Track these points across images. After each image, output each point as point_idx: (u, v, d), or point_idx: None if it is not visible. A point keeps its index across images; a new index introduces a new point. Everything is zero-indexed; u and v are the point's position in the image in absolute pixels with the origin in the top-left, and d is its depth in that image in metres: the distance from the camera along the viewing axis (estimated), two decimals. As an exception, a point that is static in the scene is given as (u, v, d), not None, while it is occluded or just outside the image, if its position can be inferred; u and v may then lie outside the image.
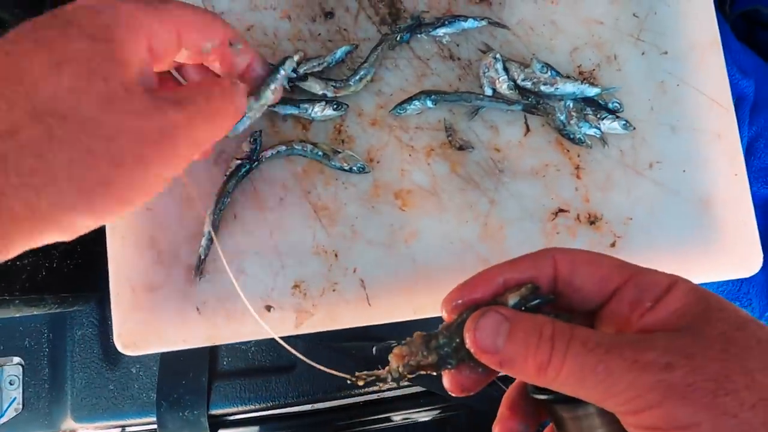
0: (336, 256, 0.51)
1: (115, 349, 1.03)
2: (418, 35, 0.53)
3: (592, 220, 0.51)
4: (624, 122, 0.50)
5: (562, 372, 0.28)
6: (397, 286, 0.50)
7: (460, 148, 0.52)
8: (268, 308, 0.50)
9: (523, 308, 0.32)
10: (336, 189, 0.51)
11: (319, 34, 0.53)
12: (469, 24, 0.52)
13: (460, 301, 0.33)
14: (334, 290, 0.50)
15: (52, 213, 0.30)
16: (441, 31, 0.52)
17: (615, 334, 0.30)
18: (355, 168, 0.51)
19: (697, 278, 0.49)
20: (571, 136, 0.51)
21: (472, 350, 0.31)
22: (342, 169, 0.51)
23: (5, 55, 0.30)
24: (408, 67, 0.53)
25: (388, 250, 0.51)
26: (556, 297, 0.32)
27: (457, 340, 0.32)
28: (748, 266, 0.50)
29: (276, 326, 0.50)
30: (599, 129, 0.51)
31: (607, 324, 0.31)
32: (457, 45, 0.53)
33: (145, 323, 0.50)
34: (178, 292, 0.51)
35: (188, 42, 0.38)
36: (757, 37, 0.87)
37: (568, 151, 0.51)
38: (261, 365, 0.73)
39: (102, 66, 0.31)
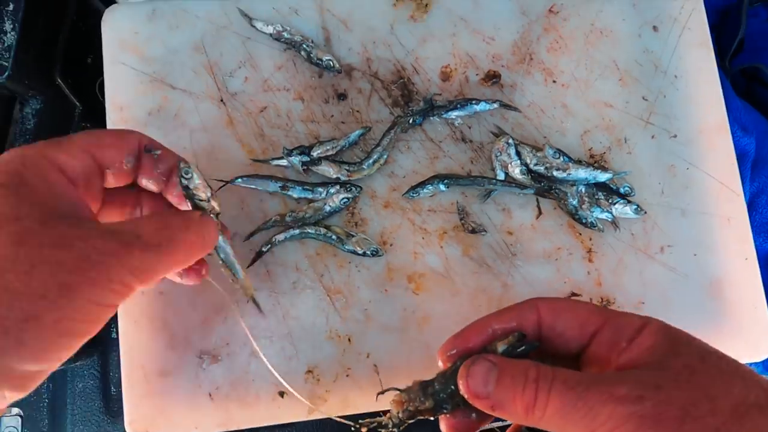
0: (350, 340, 0.51)
1: (116, 402, 1.02)
2: (431, 118, 0.53)
3: (605, 304, 0.51)
4: (635, 207, 0.51)
5: (547, 410, 0.30)
6: (411, 371, 0.50)
7: (473, 231, 0.52)
8: (281, 394, 0.50)
9: (512, 355, 0.34)
10: (349, 272, 0.52)
11: (332, 116, 0.54)
12: (481, 107, 0.53)
13: (454, 351, 0.36)
14: (347, 375, 0.50)
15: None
16: (453, 114, 0.53)
17: (594, 373, 0.33)
18: (368, 252, 0.51)
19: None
20: (584, 221, 0.51)
21: (465, 396, 0.33)
22: (355, 253, 0.51)
23: None
24: (421, 149, 0.53)
25: (402, 335, 0.51)
26: (542, 343, 0.35)
27: (452, 386, 0.35)
28: (760, 350, 0.51)
29: (288, 412, 0.50)
30: (611, 213, 0.51)
31: (591, 365, 0.34)
32: (469, 127, 0.53)
33: (158, 409, 0.50)
34: (191, 377, 0.50)
35: (106, 160, 0.39)
36: (757, 94, 0.89)
37: (580, 234, 0.52)
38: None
39: (15, 209, 0.32)
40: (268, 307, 0.51)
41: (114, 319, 0.97)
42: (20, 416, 1.05)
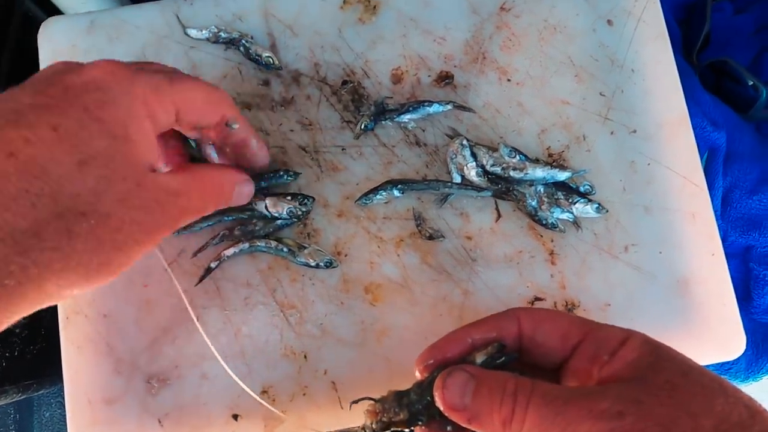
0: (305, 357, 0.48)
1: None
2: (383, 122, 0.51)
3: (570, 308, 0.49)
4: (597, 205, 0.49)
5: (525, 425, 0.29)
6: (371, 386, 0.48)
7: (430, 238, 0.50)
8: (235, 417, 0.48)
9: (490, 366, 0.34)
10: (303, 285, 0.49)
11: (281, 124, 0.52)
12: (435, 109, 0.51)
13: (431, 361, 0.36)
14: (304, 394, 0.48)
15: (58, 292, 0.32)
16: (406, 117, 0.51)
17: (574, 387, 0.32)
18: (322, 263, 0.48)
19: (679, 363, 0.47)
20: (544, 222, 0.49)
21: (441, 408, 0.33)
22: (308, 265, 0.49)
23: (26, 143, 0.30)
24: (373, 154, 0.51)
25: (360, 349, 0.48)
26: (522, 354, 0.35)
27: (428, 397, 0.34)
28: (731, 349, 0.49)
29: (244, 436, 0.48)
30: (572, 213, 0.50)
31: (571, 378, 0.33)
32: (423, 130, 0.52)
33: (104, 439, 0.47)
34: (139, 404, 0.48)
35: (183, 122, 0.39)
36: (725, 88, 0.88)
37: (542, 236, 0.50)
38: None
39: (121, 167, 0.33)
40: (218, 326, 0.49)
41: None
42: (-14, 449, 1.01)
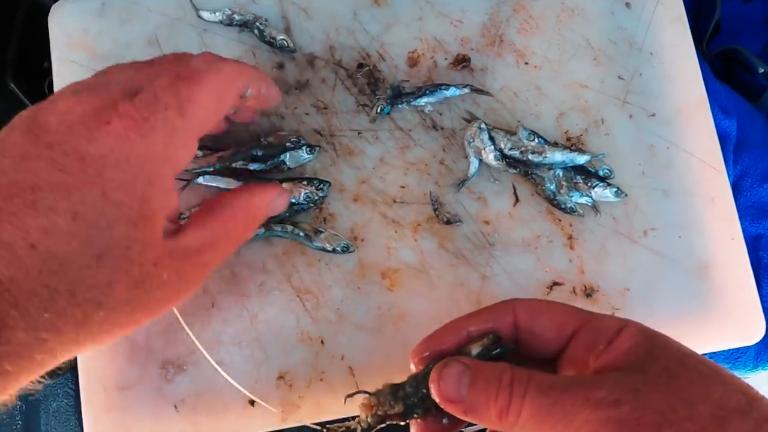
0: (322, 342, 0.48)
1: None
2: (399, 106, 0.51)
3: (589, 293, 0.49)
4: (616, 189, 0.49)
5: (521, 415, 0.29)
6: (388, 372, 0.47)
7: (448, 222, 0.49)
8: (252, 403, 0.47)
9: (486, 357, 0.33)
10: (319, 271, 0.49)
11: (296, 108, 0.51)
12: (452, 92, 0.50)
13: (426, 353, 0.35)
14: (321, 380, 0.47)
15: (64, 358, 0.32)
16: (423, 101, 0.51)
17: (570, 376, 0.32)
18: (338, 248, 0.48)
19: (699, 348, 0.47)
20: (562, 206, 0.49)
21: (437, 400, 0.32)
22: (325, 250, 0.48)
23: (45, 234, 0.29)
24: (390, 138, 0.51)
25: (377, 334, 0.48)
26: (518, 345, 0.34)
27: (424, 390, 0.33)
28: (750, 333, 0.49)
29: (260, 421, 0.47)
30: (591, 197, 0.49)
31: (568, 368, 0.33)
32: (440, 114, 0.51)
33: (119, 425, 0.47)
34: (154, 389, 0.47)
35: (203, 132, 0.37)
36: (736, 76, 0.87)
37: (560, 220, 0.49)
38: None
39: (138, 255, 0.32)
40: (234, 312, 0.48)
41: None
42: (-8, 440, 1.01)
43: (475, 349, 0.34)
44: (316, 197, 0.48)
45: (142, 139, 0.32)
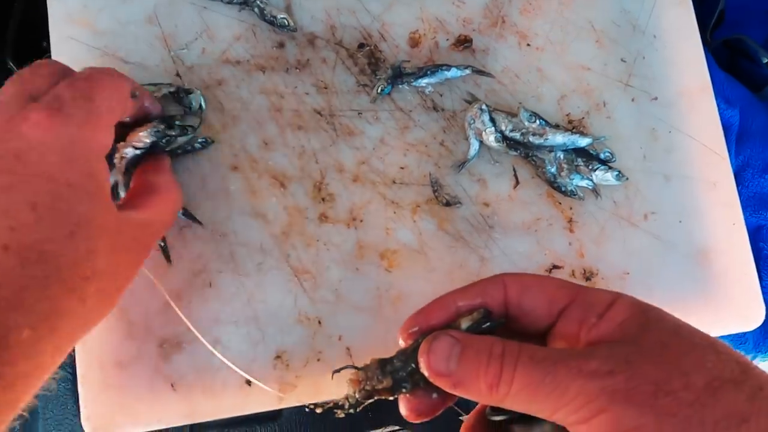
0: (320, 323, 0.48)
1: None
2: (400, 86, 0.50)
3: (588, 276, 0.48)
4: (617, 173, 0.49)
5: (513, 387, 0.29)
6: (386, 352, 0.47)
7: (447, 204, 0.49)
8: (249, 383, 0.47)
9: (476, 332, 0.33)
10: (317, 251, 0.49)
11: (296, 87, 0.51)
12: (453, 73, 0.50)
13: (415, 328, 0.35)
14: (318, 360, 0.47)
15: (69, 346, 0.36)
16: (423, 82, 0.50)
17: (562, 348, 0.32)
18: (197, 145, 0.48)
19: (698, 333, 0.47)
20: (563, 189, 0.49)
21: (426, 374, 0.32)
22: (185, 150, 0.48)
23: (12, 232, 0.31)
24: (390, 119, 0.50)
25: (375, 315, 0.48)
26: (508, 320, 0.34)
27: (412, 364, 0.33)
28: (751, 319, 0.49)
29: (257, 401, 0.47)
30: (591, 180, 0.49)
31: (559, 342, 0.33)
32: (441, 95, 0.51)
33: (116, 403, 0.47)
34: (151, 368, 0.47)
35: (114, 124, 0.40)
36: (739, 66, 0.87)
37: (560, 203, 0.49)
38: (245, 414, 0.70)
39: (102, 224, 0.35)
40: (231, 291, 0.48)
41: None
42: (-11, 423, 1.01)
43: (465, 324, 0.33)
44: (162, 134, 0.46)
45: (64, 126, 0.34)
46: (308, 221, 0.49)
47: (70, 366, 0.96)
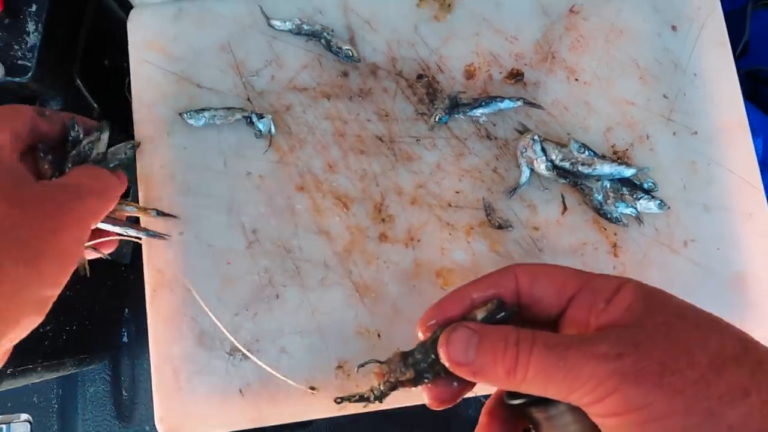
0: (379, 336, 0.51)
1: (128, 406, 1.02)
2: (456, 115, 0.54)
3: (630, 298, 0.51)
4: (659, 202, 0.52)
5: (529, 372, 0.30)
6: (440, 365, 0.50)
7: (500, 227, 0.52)
8: (312, 389, 0.50)
9: (491, 322, 0.34)
10: (377, 268, 0.52)
11: (358, 114, 0.54)
12: (506, 105, 0.54)
13: (434, 321, 0.36)
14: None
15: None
16: (478, 112, 0.54)
17: (573, 334, 0.33)
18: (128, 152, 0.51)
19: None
20: (608, 216, 0.52)
21: (446, 364, 0.33)
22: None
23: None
24: (446, 146, 0.54)
25: (431, 330, 0.51)
26: (520, 309, 0.35)
27: (432, 355, 0.34)
28: (783, 342, 0.51)
29: (319, 408, 0.50)
30: (635, 208, 0.52)
31: (569, 328, 0.34)
32: (494, 125, 0.54)
33: (188, 406, 0.50)
34: (221, 374, 0.50)
35: (18, 132, 0.44)
36: (762, 95, 0.90)
37: (605, 229, 0.53)
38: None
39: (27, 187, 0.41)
40: (296, 303, 0.51)
41: (124, 323, 0.97)
42: (29, 422, 1.04)
43: (480, 315, 0.35)
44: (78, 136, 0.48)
45: None
46: (369, 240, 0.52)
47: (110, 369, 0.99)
